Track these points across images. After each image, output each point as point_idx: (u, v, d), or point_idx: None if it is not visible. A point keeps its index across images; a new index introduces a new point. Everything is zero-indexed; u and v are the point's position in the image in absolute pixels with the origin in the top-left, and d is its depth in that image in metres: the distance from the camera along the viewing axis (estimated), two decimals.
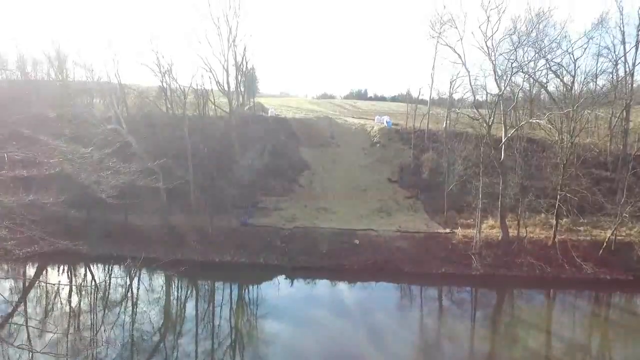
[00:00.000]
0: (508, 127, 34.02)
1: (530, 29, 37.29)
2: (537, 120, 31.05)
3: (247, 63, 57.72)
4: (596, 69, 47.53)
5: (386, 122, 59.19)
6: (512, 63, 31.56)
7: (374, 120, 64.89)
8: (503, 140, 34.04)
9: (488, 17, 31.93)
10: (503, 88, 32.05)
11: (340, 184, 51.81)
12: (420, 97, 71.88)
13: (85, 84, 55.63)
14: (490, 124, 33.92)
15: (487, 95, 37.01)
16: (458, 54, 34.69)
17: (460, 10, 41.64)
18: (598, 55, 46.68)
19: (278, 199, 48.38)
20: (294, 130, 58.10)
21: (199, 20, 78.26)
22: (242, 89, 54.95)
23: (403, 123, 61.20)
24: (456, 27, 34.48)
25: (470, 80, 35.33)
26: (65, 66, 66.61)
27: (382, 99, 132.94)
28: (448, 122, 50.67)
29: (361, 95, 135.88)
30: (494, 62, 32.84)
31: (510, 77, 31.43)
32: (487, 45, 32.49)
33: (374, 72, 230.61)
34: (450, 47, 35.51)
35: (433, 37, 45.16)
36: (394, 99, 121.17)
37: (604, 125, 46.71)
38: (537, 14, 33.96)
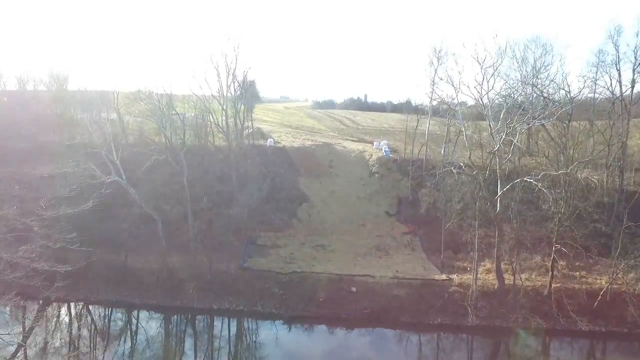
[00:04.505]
0: (503, 181, 34.17)
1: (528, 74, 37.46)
2: (532, 180, 31.15)
3: (245, 92, 57.97)
4: (593, 106, 47.73)
5: (384, 150, 59.33)
6: (507, 122, 31.71)
7: (372, 145, 65.06)
8: (498, 194, 34.24)
9: (484, 75, 32.07)
10: (498, 145, 32.23)
11: (338, 217, 52.00)
12: (420, 105, 70.78)
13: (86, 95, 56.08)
14: (485, 177, 34.09)
15: (482, 148, 37.14)
16: (455, 110, 34.79)
17: (455, 68, 40.99)
18: (594, 93, 46.86)
19: (277, 235, 48.60)
20: (293, 160, 58.27)
21: (199, 63, 79.40)
22: (241, 121, 55.06)
23: (402, 145, 61.16)
24: (452, 85, 34.54)
25: (465, 136, 35.40)
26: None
27: (382, 108, 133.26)
28: (445, 150, 50.31)
29: (361, 105, 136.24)
30: (489, 117, 32.96)
31: (504, 136, 31.51)
32: (482, 102, 32.60)
33: (374, 77, 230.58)
34: (446, 103, 35.53)
35: (427, 95, 45.10)
36: (394, 108, 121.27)
37: (600, 162, 46.85)
38: (533, 73, 34.02)
